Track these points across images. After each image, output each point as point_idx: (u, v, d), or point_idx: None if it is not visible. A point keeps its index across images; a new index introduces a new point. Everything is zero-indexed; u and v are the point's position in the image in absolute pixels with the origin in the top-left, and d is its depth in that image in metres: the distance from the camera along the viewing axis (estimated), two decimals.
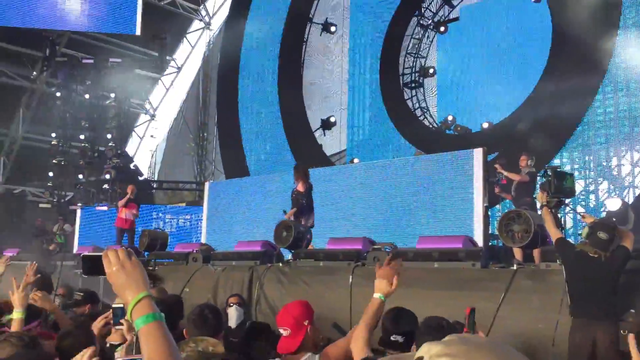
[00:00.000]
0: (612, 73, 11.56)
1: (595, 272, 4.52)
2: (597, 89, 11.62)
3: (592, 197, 11.92)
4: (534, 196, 8.03)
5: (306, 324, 2.88)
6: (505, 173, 8.70)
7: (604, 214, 11.51)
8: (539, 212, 5.69)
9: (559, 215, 5.75)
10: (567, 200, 5.96)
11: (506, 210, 6.01)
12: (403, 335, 3.16)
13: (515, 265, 5.63)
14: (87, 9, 16.73)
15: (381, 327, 3.30)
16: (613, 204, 8.87)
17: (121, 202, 11.98)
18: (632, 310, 4.35)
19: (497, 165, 9.03)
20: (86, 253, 1.71)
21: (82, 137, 17.48)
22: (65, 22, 17.27)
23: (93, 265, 1.62)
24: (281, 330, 2.95)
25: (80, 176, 17.13)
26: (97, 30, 18.49)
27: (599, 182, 12.02)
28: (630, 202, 10.51)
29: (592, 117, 11.82)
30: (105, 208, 16.97)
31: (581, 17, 12.02)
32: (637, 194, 11.43)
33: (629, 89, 11.48)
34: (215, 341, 2.82)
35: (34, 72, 20.68)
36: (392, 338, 3.17)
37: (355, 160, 15.48)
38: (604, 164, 12.12)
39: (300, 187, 8.66)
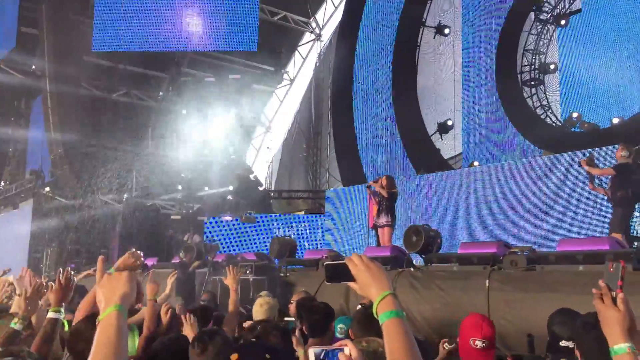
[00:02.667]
0: None
1: None
2: None
3: None
4: (629, 189, 7.48)
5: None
6: (587, 168, 8.09)
7: None
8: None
9: None
10: None
11: None
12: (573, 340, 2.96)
13: None
14: (209, 29, 17.70)
15: (547, 331, 3.18)
16: None
17: None
18: None
19: (582, 160, 8.35)
20: (329, 262, 1.86)
21: (206, 151, 18.46)
22: (188, 43, 18.38)
23: (335, 273, 1.77)
24: (478, 342, 2.93)
25: (206, 188, 18.06)
26: (218, 49, 19.50)
27: None
28: None
29: None
30: (229, 218, 17.80)
31: None
32: None
33: None
34: (383, 341, 2.87)
35: (161, 92, 22.14)
36: (561, 344, 2.99)
37: (476, 164, 15.11)
38: None
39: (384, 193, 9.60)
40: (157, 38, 18.37)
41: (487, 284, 6.38)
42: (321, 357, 1.56)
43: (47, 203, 18.88)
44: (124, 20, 17.75)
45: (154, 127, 22.83)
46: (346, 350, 1.55)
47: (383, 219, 9.72)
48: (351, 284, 1.73)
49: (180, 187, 18.65)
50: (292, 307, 5.14)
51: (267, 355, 1.55)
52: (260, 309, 4.84)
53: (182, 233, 17.19)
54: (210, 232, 17.60)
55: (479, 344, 2.94)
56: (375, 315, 1.66)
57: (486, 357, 2.83)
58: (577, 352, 2.52)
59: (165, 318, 4.00)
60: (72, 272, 3.31)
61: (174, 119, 20.85)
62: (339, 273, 1.75)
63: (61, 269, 3.22)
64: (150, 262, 12.87)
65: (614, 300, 1.81)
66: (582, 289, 5.62)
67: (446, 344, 4.75)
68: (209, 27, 17.55)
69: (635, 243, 9.42)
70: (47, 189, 18.92)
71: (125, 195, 20.35)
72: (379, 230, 9.77)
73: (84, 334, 2.61)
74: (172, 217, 19.15)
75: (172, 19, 17.91)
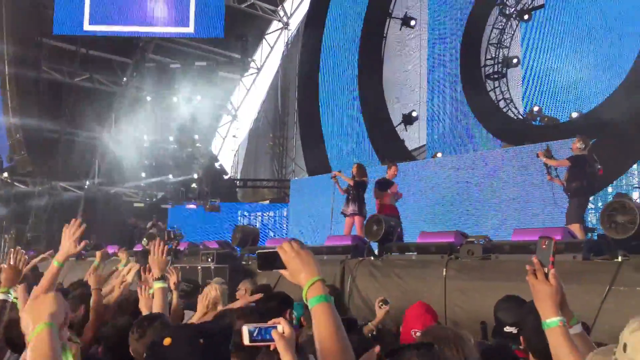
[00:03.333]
0: None
1: None
2: None
3: None
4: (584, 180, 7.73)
5: None
6: (544, 159, 8.33)
7: None
8: None
9: None
10: None
11: (609, 201, 5.80)
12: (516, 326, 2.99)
13: (620, 257, 5.44)
14: (175, 15, 17.45)
15: (494, 317, 3.27)
16: None
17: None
18: None
19: (539, 152, 8.57)
20: (261, 250, 1.87)
21: (171, 138, 18.27)
22: (154, 29, 18.09)
23: (267, 261, 1.79)
24: (417, 333, 2.98)
25: (170, 176, 17.89)
26: (184, 36, 19.26)
27: None
28: None
29: None
30: (194, 206, 17.68)
31: None
32: None
33: None
34: None
35: (125, 78, 21.78)
36: (505, 329, 3.08)
37: (439, 155, 15.32)
38: None
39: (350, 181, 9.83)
40: (121, 23, 18.03)
41: (444, 273, 6.52)
42: (255, 334, 1.58)
43: (4, 189, 18.45)
44: (87, 4, 17.35)
45: (117, 113, 22.48)
46: (279, 328, 1.58)
47: (350, 208, 9.76)
48: (282, 271, 1.75)
49: (144, 175, 18.43)
50: (239, 295, 5.17)
51: (201, 341, 1.56)
52: None
53: (145, 221, 17.02)
54: (174, 220, 17.46)
55: (420, 335, 3.01)
56: (305, 301, 1.69)
57: None
58: (521, 338, 2.61)
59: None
60: (25, 254, 3.28)
61: (138, 105, 20.56)
62: (271, 261, 1.77)
63: (12, 250, 3.19)
64: (111, 249, 12.73)
65: (546, 275, 1.89)
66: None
67: (381, 302, 4.90)
68: (175, 13, 17.30)
69: (589, 234, 9.73)
70: (5, 174, 18.47)
71: (86, 182, 20.02)
72: (347, 219, 9.84)
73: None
74: (135, 204, 18.94)
75: (138, 4, 17.59)
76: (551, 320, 1.87)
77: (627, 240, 5.64)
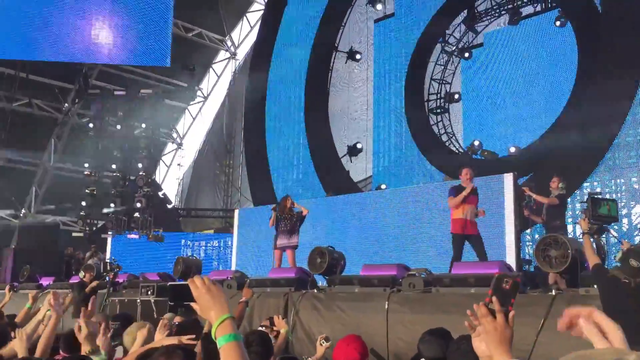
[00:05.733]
0: None
1: (627, 297, 4.54)
2: (627, 111, 11.59)
3: (625, 220, 11.79)
4: (566, 219, 8.04)
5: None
6: (534, 196, 8.66)
7: (638, 239, 11.39)
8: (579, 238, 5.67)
9: (604, 241, 5.73)
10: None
11: (543, 235, 6.02)
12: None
13: (554, 291, 5.63)
14: (120, 42, 17.22)
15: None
16: None
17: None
18: None
19: (525, 188, 9.02)
20: (173, 283, 1.86)
21: (113, 166, 17.83)
22: (98, 55, 17.78)
23: (180, 294, 1.79)
24: None
25: (112, 205, 17.42)
26: (129, 63, 19.01)
27: (632, 205, 11.91)
28: None
29: (623, 139, 11.77)
30: (136, 236, 17.23)
31: (608, 39, 12.06)
32: None
33: None
34: None
35: (66, 104, 21.27)
36: None
37: (383, 187, 15.55)
38: (636, 187, 12.02)
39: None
40: (64, 48, 17.64)
41: (386, 306, 6.57)
42: None
43: None
44: (27, 27, 16.92)
45: (57, 140, 21.87)
46: None
47: (281, 240, 9.63)
48: (193, 304, 1.74)
49: (84, 203, 17.88)
50: (160, 326, 5.09)
51: None
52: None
53: (84, 251, 16.48)
54: (115, 251, 16.96)
55: None
56: (213, 338, 1.68)
57: None
58: None
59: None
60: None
61: (80, 132, 20.05)
62: (184, 294, 1.78)
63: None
64: (46, 281, 12.25)
65: (506, 317, 1.70)
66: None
67: (323, 340, 4.91)
68: (120, 39, 17.08)
69: (526, 266, 10.05)
70: None
71: (22, 211, 19.28)
72: (287, 251, 9.77)
73: None
74: (73, 234, 18.30)
75: (81, 29, 17.28)
76: None
77: (560, 274, 5.85)
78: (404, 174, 16.53)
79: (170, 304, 7.92)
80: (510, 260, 8.93)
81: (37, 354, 3.54)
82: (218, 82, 25.09)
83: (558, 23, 14.21)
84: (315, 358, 4.86)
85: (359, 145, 17.79)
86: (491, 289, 1.73)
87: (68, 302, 5.67)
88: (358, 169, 18.20)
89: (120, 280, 9.79)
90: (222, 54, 24.75)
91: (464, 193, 7.76)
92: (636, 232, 11.13)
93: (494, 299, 1.71)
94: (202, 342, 4.26)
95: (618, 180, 11.97)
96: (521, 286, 5.88)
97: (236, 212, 14.53)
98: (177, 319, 5.15)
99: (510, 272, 6.44)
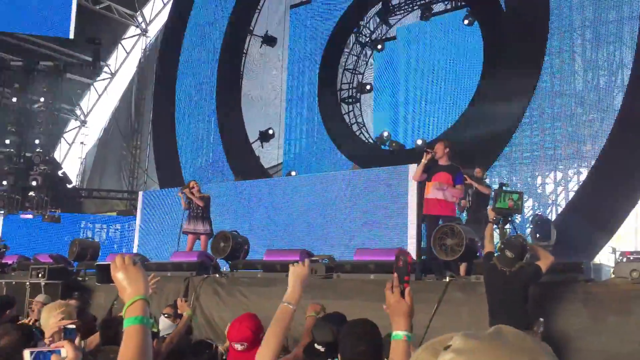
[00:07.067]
0: (539, 97, 12.18)
1: (502, 285, 4.83)
2: (524, 111, 12.20)
3: (520, 213, 12.43)
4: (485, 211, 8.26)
5: (261, 336, 2.88)
6: (476, 185, 8.61)
7: (529, 230, 12.07)
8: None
9: (508, 231, 5.99)
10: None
11: (440, 225, 6.22)
12: (325, 345, 3.00)
13: (447, 278, 5.84)
14: (18, 9, 16.06)
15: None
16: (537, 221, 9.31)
17: None
18: (541, 319, 4.62)
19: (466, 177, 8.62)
20: (99, 262, 1.79)
21: (7, 141, 16.72)
22: None
23: (104, 274, 1.72)
24: (236, 345, 2.93)
25: (5, 182, 16.35)
26: (28, 32, 17.78)
27: (525, 199, 12.60)
28: (552, 219, 11.07)
29: (520, 138, 12.39)
30: (30, 216, 16.30)
31: (510, 40, 12.64)
32: (559, 212, 12.05)
33: (554, 113, 12.12)
34: None
35: None
36: (315, 346, 3.07)
37: (293, 173, 15.55)
38: (530, 181, 12.72)
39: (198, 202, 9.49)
40: None
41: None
42: (34, 358, 1.50)
43: None
44: None
45: None
46: (63, 352, 1.49)
47: (193, 225, 9.53)
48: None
49: None
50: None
51: None
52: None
53: None
54: (6, 232, 15.95)
55: (238, 347, 2.98)
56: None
57: (248, 358, 2.89)
58: (339, 356, 2.64)
59: None
60: None
61: None
62: (108, 274, 1.69)
63: None
64: None
65: (402, 292, 1.95)
66: (372, 296, 6.03)
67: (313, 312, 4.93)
68: (18, 7, 15.94)
69: (424, 256, 10.37)
70: None
71: None
72: (191, 236, 9.60)
73: None
74: None
75: None
76: (396, 334, 1.95)
77: (454, 262, 6.08)
78: (314, 162, 16.61)
79: (62, 287, 7.56)
80: (412, 248, 9.20)
81: None
82: (127, 59, 24.08)
83: (466, 22, 14.71)
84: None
85: (270, 131, 17.68)
86: (394, 268, 2.00)
87: None
88: (270, 155, 18.09)
89: (10, 262, 9.21)
90: (133, 30, 23.74)
91: (423, 161, 6.72)
92: (528, 225, 11.78)
93: (394, 275, 1.96)
94: (100, 328, 4.07)
95: (514, 178, 12.61)
96: (417, 272, 6.06)
97: (140, 194, 14.04)
98: (73, 302, 4.91)
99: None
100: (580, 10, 12.07)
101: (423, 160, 6.76)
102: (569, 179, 12.27)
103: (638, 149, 10.34)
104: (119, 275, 1.64)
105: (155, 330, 4.30)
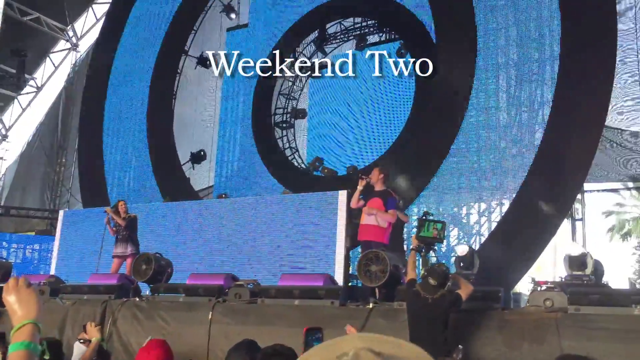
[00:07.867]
0: (466, 129, 12.60)
1: (424, 311, 4.90)
2: (452, 142, 12.57)
3: (444, 242, 12.70)
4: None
5: None
6: (399, 214, 8.69)
7: (453, 259, 12.34)
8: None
9: (432, 259, 6.10)
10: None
11: (366, 252, 6.26)
12: None
13: (371, 304, 5.86)
14: None
15: None
16: (461, 250, 9.54)
17: None
18: (460, 346, 4.71)
19: None
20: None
21: None
22: None
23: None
24: None
25: None
26: None
27: (450, 228, 12.89)
28: (476, 249, 11.38)
29: (447, 168, 12.73)
30: None
31: (441, 74, 13.06)
32: (482, 241, 12.40)
33: (479, 145, 12.55)
34: None
35: None
36: None
37: (223, 196, 15.33)
38: (455, 211, 13.05)
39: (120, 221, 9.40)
40: None
41: (210, 316, 6.41)
42: None
43: None
44: None
45: None
46: None
47: (120, 249, 9.31)
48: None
49: None
50: None
51: None
52: None
53: None
54: None
55: None
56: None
57: None
58: None
59: None
60: None
61: None
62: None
63: None
64: None
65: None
66: (295, 322, 5.97)
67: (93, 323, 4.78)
68: None
69: (354, 280, 10.41)
70: None
71: None
72: (117, 260, 9.32)
73: None
74: None
75: None
76: None
77: (378, 289, 6.12)
78: (245, 185, 16.45)
79: None
80: (339, 274, 9.21)
81: None
82: (55, 73, 23.27)
83: (399, 54, 15.12)
84: None
85: (202, 153, 17.43)
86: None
87: None
88: (201, 177, 17.80)
89: None
90: (62, 44, 23.01)
91: (359, 187, 6.99)
92: (452, 253, 12.05)
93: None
94: None
95: (440, 208, 12.91)
96: (342, 298, 6.05)
97: (60, 212, 13.45)
98: None
99: (334, 285, 6.61)
100: (505, 49, 12.64)
101: (358, 187, 7.05)
102: (492, 209, 12.67)
103: (556, 183, 10.84)
104: (10, 298, 1.55)
105: (46, 358, 4.05)
